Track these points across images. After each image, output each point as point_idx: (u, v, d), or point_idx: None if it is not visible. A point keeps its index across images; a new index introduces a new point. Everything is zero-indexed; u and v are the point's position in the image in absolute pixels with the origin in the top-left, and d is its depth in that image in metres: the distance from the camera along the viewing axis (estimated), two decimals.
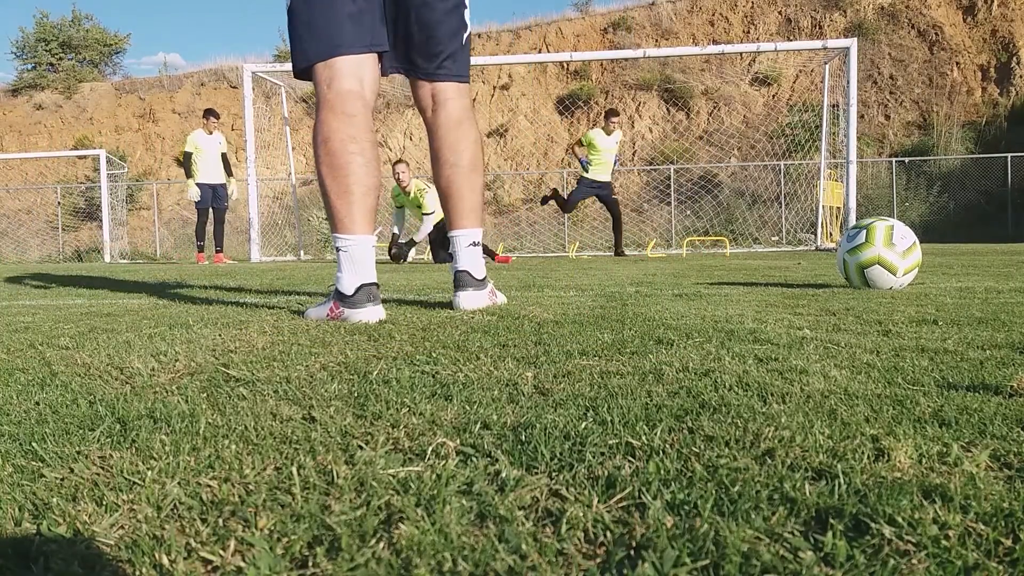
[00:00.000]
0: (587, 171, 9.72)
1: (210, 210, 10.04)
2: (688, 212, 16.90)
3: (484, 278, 2.51)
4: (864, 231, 3.02)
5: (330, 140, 2.22)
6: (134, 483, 0.77)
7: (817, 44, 12.02)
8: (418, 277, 4.94)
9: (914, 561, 0.57)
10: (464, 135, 2.50)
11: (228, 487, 0.75)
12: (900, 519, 0.63)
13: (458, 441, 0.89)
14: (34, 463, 0.84)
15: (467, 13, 2.50)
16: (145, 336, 1.87)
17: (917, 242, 3.01)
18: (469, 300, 2.44)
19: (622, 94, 20.96)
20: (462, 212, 2.52)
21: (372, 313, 2.19)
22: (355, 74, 2.25)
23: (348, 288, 2.20)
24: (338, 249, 2.25)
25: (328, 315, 2.24)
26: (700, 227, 16.09)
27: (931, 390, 1.11)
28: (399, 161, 8.50)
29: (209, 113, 10.13)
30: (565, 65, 21.50)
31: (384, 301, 2.72)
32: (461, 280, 2.47)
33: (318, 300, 2.66)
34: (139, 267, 9.02)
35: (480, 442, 0.89)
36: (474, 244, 2.51)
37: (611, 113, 9.84)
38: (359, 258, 2.23)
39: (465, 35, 2.50)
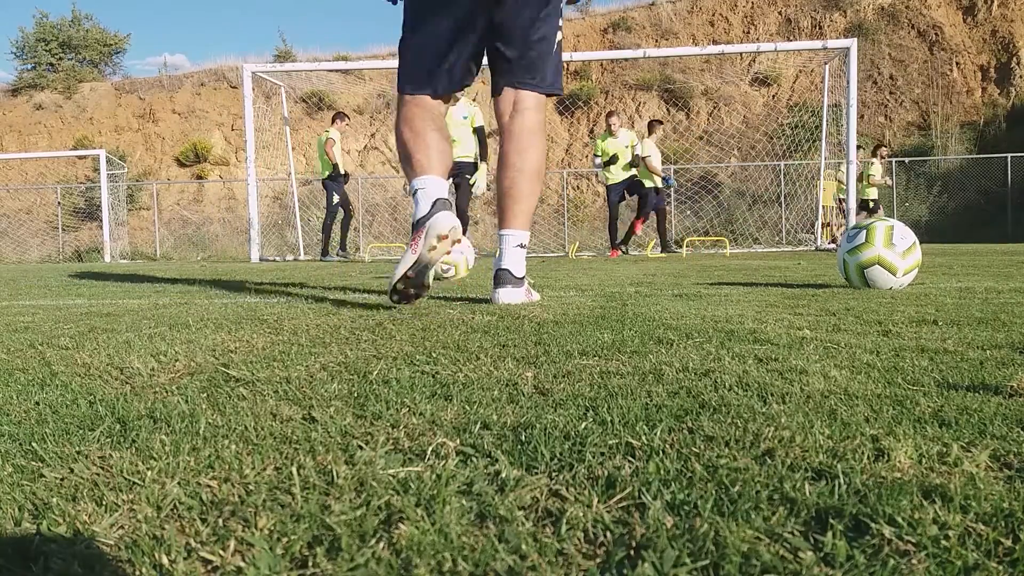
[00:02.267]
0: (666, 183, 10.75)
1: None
2: (688, 212, 16.89)
3: (522, 276, 2.64)
4: (864, 231, 3.02)
5: (413, 121, 2.56)
6: (134, 483, 0.77)
7: (817, 44, 12.03)
8: None
9: (914, 561, 0.57)
10: (534, 144, 2.68)
11: (228, 487, 0.75)
12: (900, 519, 0.63)
13: (458, 441, 0.89)
14: (34, 463, 0.84)
15: (560, 21, 2.66)
16: (145, 336, 1.87)
17: (917, 242, 3.01)
18: (507, 295, 2.58)
19: (622, 94, 20.95)
20: (517, 213, 2.67)
21: (447, 218, 2.33)
22: (433, 100, 2.62)
23: (424, 208, 2.37)
24: (415, 191, 2.43)
25: (411, 247, 2.35)
26: (700, 227, 16.09)
27: (931, 390, 1.11)
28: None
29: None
30: (565, 65, 21.49)
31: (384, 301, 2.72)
32: (502, 277, 2.61)
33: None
34: (139, 267, 9.02)
35: (480, 442, 0.89)
36: (521, 246, 2.66)
37: (655, 123, 10.79)
38: (433, 192, 2.41)
39: (556, 44, 2.66)
